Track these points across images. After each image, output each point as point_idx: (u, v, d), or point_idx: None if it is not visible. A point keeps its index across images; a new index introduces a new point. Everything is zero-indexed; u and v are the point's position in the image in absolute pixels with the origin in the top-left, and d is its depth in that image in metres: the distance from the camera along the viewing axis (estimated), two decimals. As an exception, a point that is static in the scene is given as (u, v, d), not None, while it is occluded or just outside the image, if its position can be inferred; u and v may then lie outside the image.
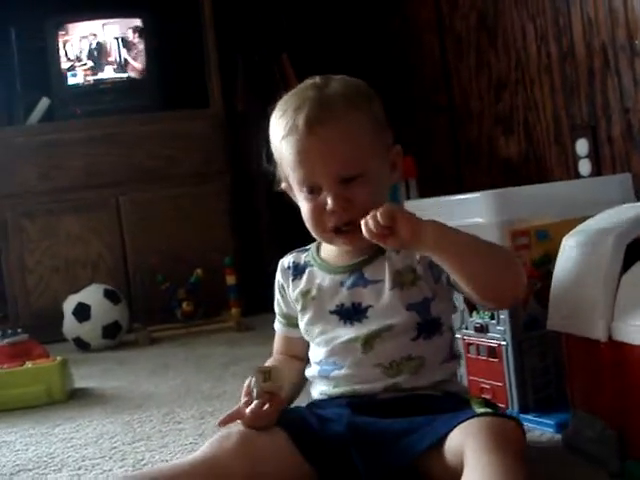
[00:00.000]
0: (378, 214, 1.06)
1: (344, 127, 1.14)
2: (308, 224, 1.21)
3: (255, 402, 1.16)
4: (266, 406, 1.15)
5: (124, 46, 3.56)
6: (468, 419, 1.02)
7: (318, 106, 1.15)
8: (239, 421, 1.17)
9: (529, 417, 1.37)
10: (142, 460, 1.43)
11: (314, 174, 1.16)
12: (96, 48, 3.54)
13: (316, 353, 1.26)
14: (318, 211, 1.17)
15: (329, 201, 1.15)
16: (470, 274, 1.09)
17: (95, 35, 3.54)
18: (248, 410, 1.15)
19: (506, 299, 1.16)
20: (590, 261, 1.19)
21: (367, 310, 1.19)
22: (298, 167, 1.17)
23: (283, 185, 1.27)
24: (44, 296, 3.34)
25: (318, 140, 1.14)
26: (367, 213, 1.08)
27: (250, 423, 1.15)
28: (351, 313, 1.20)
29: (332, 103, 1.16)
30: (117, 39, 3.56)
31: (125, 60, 3.57)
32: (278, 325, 1.37)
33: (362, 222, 1.08)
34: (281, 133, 1.18)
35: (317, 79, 1.21)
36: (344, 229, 1.17)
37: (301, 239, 1.36)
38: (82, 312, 2.98)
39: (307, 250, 1.32)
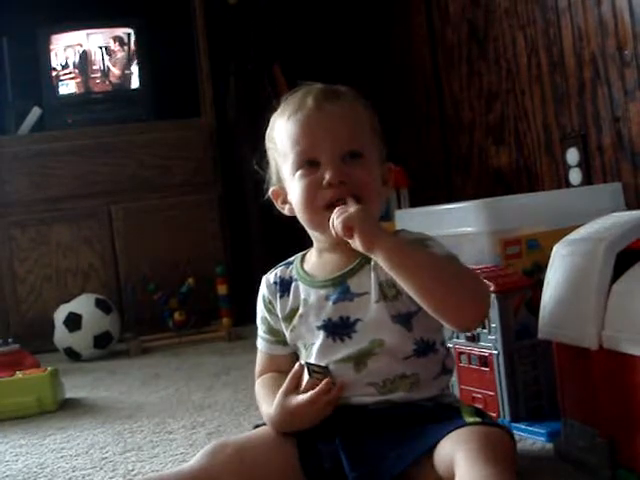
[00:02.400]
0: (337, 221, 1.10)
1: (349, 110, 1.20)
2: (300, 203, 1.19)
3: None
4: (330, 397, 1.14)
5: (116, 55, 3.56)
6: (457, 428, 1.02)
7: (326, 90, 1.21)
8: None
9: (521, 426, 1.37)
10: (132, 470, 1.43)
11: (317, 147, 1.16)
12: (88, 57, 3.54)
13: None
14: (314, 186, 1.16)
15: (327, 174, 1.14)
16: (420, 295, 1.08)
17: (87, 44, 3.54)
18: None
19: (461, 323, 1.13)
20: (581, 270, 1.19)
21: (356, 324, 1.17)
22: (301, 140, 1.17)
23: (271, 190, 1.27)
24: (35, 306, 3.34)
25: (325, 115, 1.17)
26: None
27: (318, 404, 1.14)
28: (339, 327, 1.18)
29: (339, 91, 1.22)
30: (109, 48, 3.56)
31: (117, 69, 3.57)
32: (262, 343, 1.32)
33: (330, 217, 1.12)
34: (287, 114, 1.20)
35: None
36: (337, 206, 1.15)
37: (292, 248, 1.35)
38: (73, 322, 2.97)
39: (291, 264, 1.29)
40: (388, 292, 1.16)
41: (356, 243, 1.10)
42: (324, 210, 1.15)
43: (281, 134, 1.21)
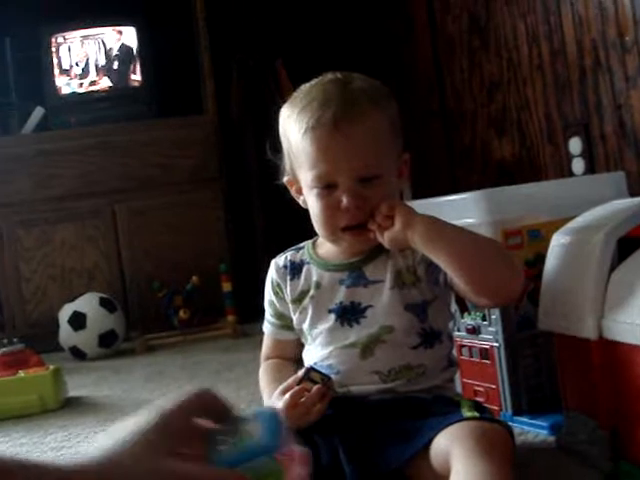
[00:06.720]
0: (382, 205, 1.10)
1: (369, 126, 1.12)
2: (318, 221, 1.17)
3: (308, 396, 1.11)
4: (317, 406, 1.10)
5: (118, 54, 3.56)
6: (455, 423, 1.01)
7: (344, 103, 1.12)
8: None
9: (523, 419, 1.36)
10: (132, 468, 1.42)
11: (334, 171, 1.12)
12: (89, 56, 3.53)
13: (312, 355, 1.22)
14: (331, 209, 1.14)
15: (345, 199, 1.12)
16: (463, 268, 1.07)
17: (89, 43, 3.54)
18: (302, 401, 1.10)
19: (502, 295, 1.13)
20: (579, 258, 1.17)
21: (366, 310, 1.17)
22: (318, 162, 1.13)
23: (286, 179, 1.24)
24: (40, 305, 3.33)
25: (343, 137, 1.11)
26: None
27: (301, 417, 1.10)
28: (349, 312, 1.17)
29: (357, 100, 1.13)
30: (111, 47, 3.55)
31: (119, 68, 3.56)
32: (269, 327, 1.32)
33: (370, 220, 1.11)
34: (303, 127, 1.13)
35: (339, 74, 1.19)
36: (354, 229, 1.14)
37: (296, 243, 1.33)
38: (78, 321, 2.97)
39: (302, 248, 1.28)
40: (406, 279, 1.16)
41: (396, 223, 1.08)
42: (342, 232, 1.15)
43: (296, 144, 1.16)
